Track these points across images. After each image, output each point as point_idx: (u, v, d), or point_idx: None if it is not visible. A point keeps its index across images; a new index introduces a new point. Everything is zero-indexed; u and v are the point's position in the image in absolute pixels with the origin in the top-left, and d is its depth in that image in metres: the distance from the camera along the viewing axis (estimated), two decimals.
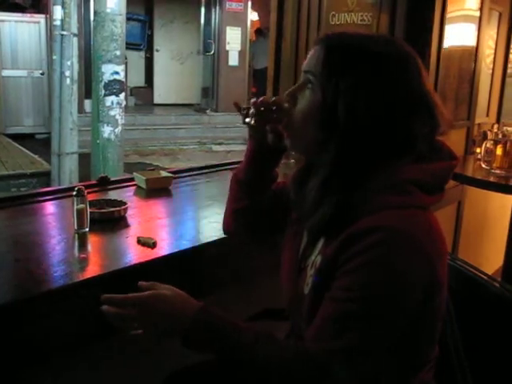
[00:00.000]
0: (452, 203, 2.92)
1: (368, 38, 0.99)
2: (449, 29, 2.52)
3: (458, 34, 2.71)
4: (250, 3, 11.29)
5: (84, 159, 6.05)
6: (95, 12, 5.55)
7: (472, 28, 2.88)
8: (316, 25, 2.63)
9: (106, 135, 5.54)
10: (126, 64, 5.84)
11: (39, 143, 8.84)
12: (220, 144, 9.70)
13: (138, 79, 12.10)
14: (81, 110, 8.26)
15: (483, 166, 2.58)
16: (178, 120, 10.69)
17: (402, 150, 0.94)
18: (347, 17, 2.48)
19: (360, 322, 0.88)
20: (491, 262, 3.25)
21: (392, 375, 0.97)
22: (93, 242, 1.51)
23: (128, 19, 7.00)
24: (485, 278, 1.25)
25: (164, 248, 1.47)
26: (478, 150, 2.82)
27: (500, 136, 2.74)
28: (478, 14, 2.88)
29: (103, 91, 5.46)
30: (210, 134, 10.22)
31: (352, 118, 0.92)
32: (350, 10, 2.47)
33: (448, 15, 2.48)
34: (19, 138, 8.98)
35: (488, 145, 2.61)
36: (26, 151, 7.71)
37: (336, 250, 0.91)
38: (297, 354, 0.91)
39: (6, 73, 9.43)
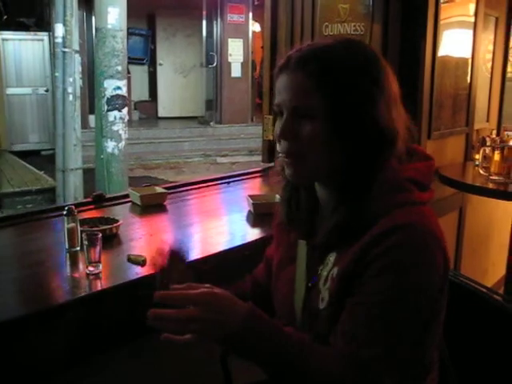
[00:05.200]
0: (453, 210, 2.89)
1: (337, 46, 0.97)
2: (444, 35, 2.51)
3: (453, 40, 2.70)
4: (251, 14, 11.35)
5: (89, 174, 6.08)
6: (96, 28, 5.62)
7: (468, 34, 2.86)
8: (310, 36, 2.63)
9: (109, 150, 5.57)
10: (129, 78, 5.88)
11: (45, 159, 8.89)
12: (225, 156, 9.71)
13: (141, 93, 12.17)
14: (85, 125, 8.32)
15: (481, 172, 2.55)
16: (183, 133, 10.72)
17: (392, 149, 0.95)
18: (340, 27, 2.48)
19: (395, 323, 0.88)
20: (497, 269, 3.22)
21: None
22: (83, 260, 1.50)
23: (130, 34, 7.08)
24: (485, 290, 1.23)
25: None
26: (476, 157, 2.79)
27: (498, 141, 2.71)
28: (473, 19, 2.86)
29: (106, 106, 5.51)
30: (214, 146, 10.24)
31: (357, 125, 0.93)
32: (342, 20, 2.47)
33: (443, 21, 2.47)
34: (25, 154, 9.04)
35: (486, 151, 2.59)
36: (32, 168, 7.75)
37: (355, 256, 0.91)
38: (346, 363, 0.87)
39: (10, 90, 9.51)
